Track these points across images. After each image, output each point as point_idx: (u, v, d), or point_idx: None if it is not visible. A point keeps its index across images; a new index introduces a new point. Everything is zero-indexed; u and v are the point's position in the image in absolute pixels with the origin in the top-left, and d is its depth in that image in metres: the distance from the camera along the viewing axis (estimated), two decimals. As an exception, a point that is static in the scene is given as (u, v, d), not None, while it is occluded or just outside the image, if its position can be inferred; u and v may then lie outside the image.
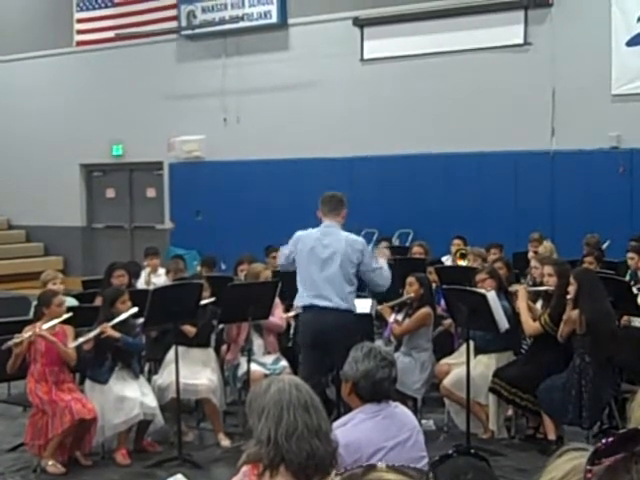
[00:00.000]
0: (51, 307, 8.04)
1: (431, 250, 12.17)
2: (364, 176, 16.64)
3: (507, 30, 15.67)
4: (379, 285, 8.22)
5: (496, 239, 12.30)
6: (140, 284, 11.19)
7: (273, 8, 18.05)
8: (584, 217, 14.37)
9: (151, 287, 10.21)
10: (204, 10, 18.87)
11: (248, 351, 8.65)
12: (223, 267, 14.21)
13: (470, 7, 15.90)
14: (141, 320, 8.33)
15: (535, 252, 11.52)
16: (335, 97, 17.33)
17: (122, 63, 19.97)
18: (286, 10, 18.04)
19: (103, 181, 21.31)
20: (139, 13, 19.81)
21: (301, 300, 8.01)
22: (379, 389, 4.63)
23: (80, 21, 20.76)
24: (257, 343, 8.99)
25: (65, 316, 8.07)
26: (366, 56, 17.16)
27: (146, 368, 9.76)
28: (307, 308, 7.97)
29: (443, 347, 9.43)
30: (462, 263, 11.59)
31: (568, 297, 8.02)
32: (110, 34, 20.13)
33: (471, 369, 8.22)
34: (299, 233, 8.16)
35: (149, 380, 8.83)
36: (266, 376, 7.63)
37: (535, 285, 9.30)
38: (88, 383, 8.26)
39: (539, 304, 8.95)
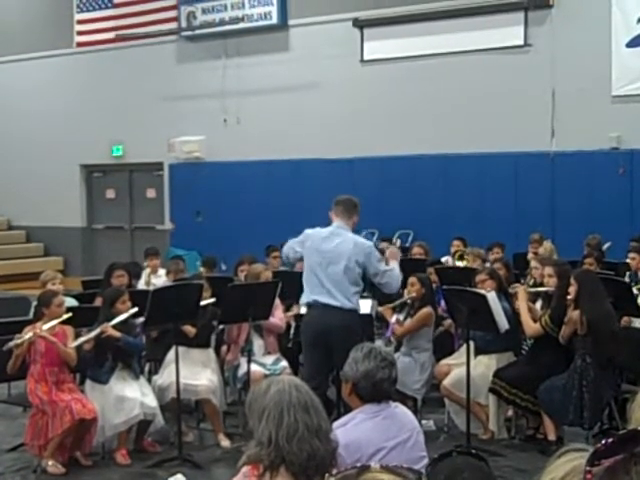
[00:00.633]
0: (51, 307, 8.04)
1: (431, 251, 12.17)
2: (364, 177, 16.64)
3: (507, 31, 15.67)
4: (387, 287, 8.20)
5: (496, 240, 12.30)
6: (140, 285, 11.19)
7: (273, 9, 18.06)
8: (584, 218, 14.37)
9: (151, 288, 10.22)
10: (204, 11, 18.88)
11: (248, 351, 8.65)
12: (223, 268, 14.22)
13: (470, 8, 15.90)
14: (141, 320, 8.33)
15: (535, 253, 11.52)
16: (335, 98, 17.33)
17: (122, 64, 19.98)
18: (286, 11, 18.05)
19: (103, 182, 21.32)
20: (139, 14, 19.81)
21: (306, 297, 8.01)
22: (379, 389, 4.64)
23: (80, 22, 20.77)
24: (257, 344, 9.00)
25: (65, 316, 8.07)
26: (366, 57, 17.17)
27: (146, 368, 9.76)
28: (311, 305, 7.96)
29: (443, 348, 9.43)
30: (460, 264, 11.58)
31: (569, 298, 8.02)
32: (110, 35, 20.14)
33: (471, 369, 8.22)
34: (308, 231, 8.14)
35: (149, 380, 8.83)
36: (266, 376, 7.63)
37: (535, 286, 9.30)
38: (88, 383, 8.26)
39: (539, 304, 8.96)
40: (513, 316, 8.48)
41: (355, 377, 4.63)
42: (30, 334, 7.85)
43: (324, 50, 17.29)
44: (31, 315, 8.88)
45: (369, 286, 9.01)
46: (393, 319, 9.11)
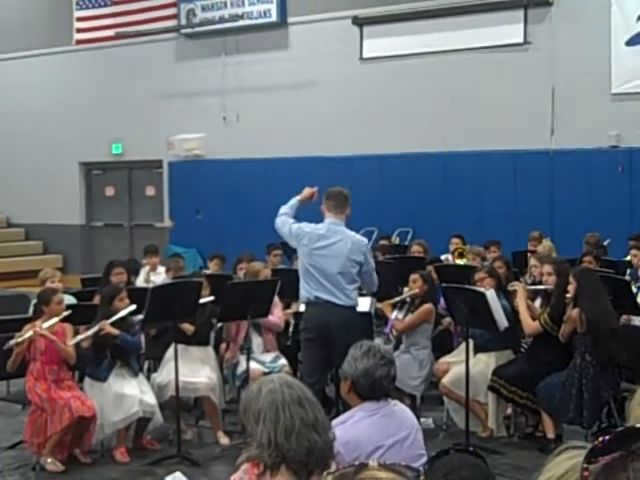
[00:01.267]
0: (50, 305, 8.05)
1: (430, 249, 12.17)
2: (363, 175, 16.64)
3: (507, 29, 15.67)
4: (369, 286, 8.20)
5: (495, 238, 12.30)
6: (139, 282, 11.20)
7: (273, 7, 18.06)
8: (583, 216, 14.38)
9: (150, 285, 10.23)
10: (204, 8, 18.87)
11: (247, 349, 8.65)
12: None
13: (470, 6, 15.90)
14: (140, 318, 8.33)
15: (533, 251, 11.52)
16: (334, 96, 17.33)
17: (122, 62, 19.97)
18: (286, 9, 18.05)
19: (102, 179, 21.32)
20: (138, 12, 19.81)
21: (306, 294, 7.98)
22: (378, 387, 4.64)
23: (80, 20, 20.76)
24: (256, 341, 9.00)
25: (64, 314, 8.07)
26: (365, 55, 17.17)
27: (145, 366, 9.77)
28: (310, 303, 7.95)
29: (442, 346, 9.44)
30: (460, 262, 11.59)
31: (568, 296, 8.02)
32: (110, 33, 20.12)
33: (470, 367, 8.22)
34: (305, 228, 8.08)
35: (148, 378, 8.83)
36: (265, 374, 7.64)
37: (534, 284, 9.30)
38: (87, 381, 8.26)
39: (538, 302, 8.96)
40: (512, 314, 8.48)
41: (354, 375, 4.63)
42: (30, 332, 7.85)
43: (323, 48, 17.29)
44: (30, 313, 8.89)
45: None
46: (393, 316, 9.11)
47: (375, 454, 4.46)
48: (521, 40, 15.56)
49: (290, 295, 9.51)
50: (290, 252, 11.44)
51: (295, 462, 3.47)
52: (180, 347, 8.36)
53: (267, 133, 17.92)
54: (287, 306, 9.79)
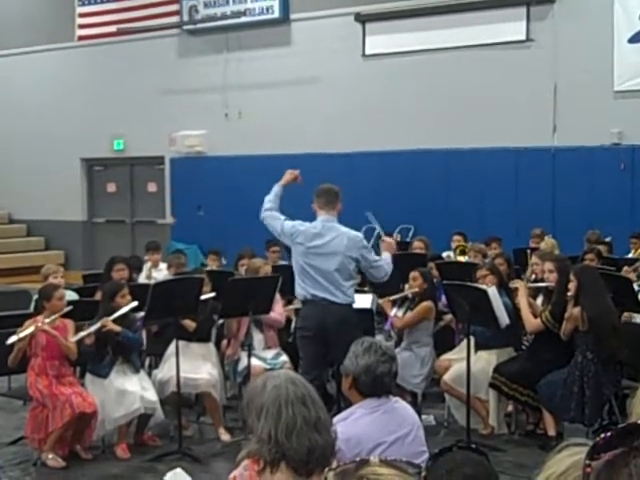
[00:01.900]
0: (52, 301, 8.04)
1: (432, 245, 12.17)
2: (365, 171, 16.64)
3: (509, 26, 15.66)
4: (377, 278, 8.20)
5: (497, 235, 12.29)
6: (141, 279, 11.19)
7: (275, 3, 18.05)
8: (585, 213, 14.38)
9: (152, 281, 10.23)
10: (206, 5, 18.87)
11: (248, 346, 8.66)
12: (224, 262, 14.21)
13: (472, 3, 15.89)
14: (142, 314, 8.33)
15: (535, 248, 11.51)
16: (336, 93, 17.32)
17: (124, 58, 19.97)
18: (288, 5, 18.04)
19: (104, 175, 21.32)
20: (141, 8, 19.80)
21: (303, 292, 7.98)
22: (379, 384, 4.64)
23: (82, 15, 20.75)
24: (257, 338, 9.00)
25: (65, 309, 8.07)
26: (368, 52, 17.16)
27: (146, 362, 9.77)
28: (308, 301, 7.95)
29: (444, 343, 9.43)
30: (462, 259, 11.59)
31: (569, 294, 8.02)
32: (112, 29, 20.12)
33: (471, 365, 8.21)
34: (300, 227, 8.09)
35: (149, 374, 8.83)
36: (266, 370, 7.64)
37: (536, 281, 9.30)
38: (89, 377, 8.26)
39: (539, 300, 8.95)
40: (514, 311, 8.47)
41: (355, 371, 4.63)
42: (32, 328, 7.85)
43: (326, 44, 17.28)
44: (32, 309, 8.89)
45: (369, 280, 9.00)
46: (392, 313, 9.11)
47: (376, 451, 4.46)
48: (523, 37, 15.55)
49: (291, 292, 9.51)
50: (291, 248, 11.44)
51: (295, 460, 3.46)
52: (181, 343, 8.36)
53: (269, 130, 17.92)
54: (288, 302, 9.79)
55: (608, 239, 12.44)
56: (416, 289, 9.12)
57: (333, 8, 17.31)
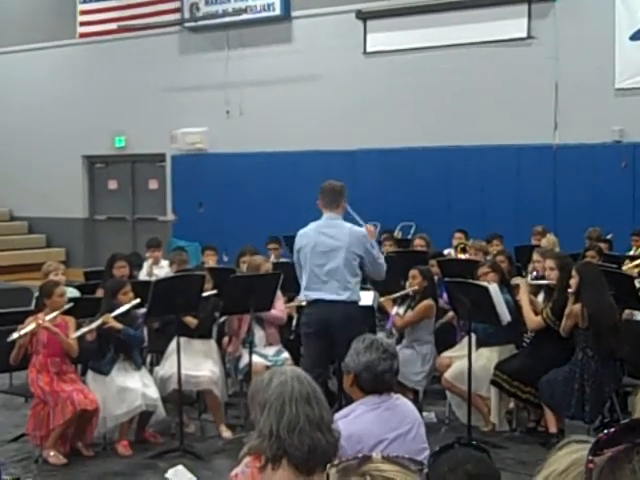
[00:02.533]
0: (52, 298, 8.05)
1: (433, 243, 12.17)
2: (366, 169, 16.65)
3: (510, 24, 15.65)
4: (378, 275, 8.20)
5: (498, 232, 12.29)
6: (142, 275, 11.18)
7: (276, 1, 18.05)
8: (586, 211, 14.37)
9: (153, 279, 10.23)
10: (207, 2, 18.87)
11: (250, 343, 8.66)
12: (225, 259, 14.22)
13: (474, 0, 15.88)
14: (143, 311, 8.33)
15: (537, 245, 11.50)
16: (338, 90, 17.32)
17: (125, 55, 19.97)
18: (289, 2, 18.04)
19: (105, 173, 21.32)
20: (142, 5, 19.79)
21: (307, 294, 8.00)
22: (381, 381, 4.64)
23: (83, 13, 20.74)
24: (258, 335, 9.00)
25: (66, 306, 8.08)
26: (369, 49, 17.16)
27: (148, 359, 9.77)
28: (313, 302, 7.97)
29: (445, 340, 9.43)
30: (462, 257, 11.58)
31: (570, 291, 8.02)
32: (113, 26, 20.11)
33: (473, 362, 8.22)
34: (300, 232, 8.15)
35: (151, 371, 8.83)
36: (267, 368, 7.64)
37: (537, 278, 9.29)
38: (90, 374, 8.27)
39: (540, 297, 8.95)
40: (515, 308, 8.47)
41: (357, 368, 4.63)
42: (33, 325, 7.86)
43: (327, 42, 17.28)
44: (33, 306, 8.89)
45: (370, 278, 9.00)
46: (393, 311, 9.11)
47: (377, 448, 4.46)
48: (525, 35, 15.55)
49: (293, 289, 9.52)
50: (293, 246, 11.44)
51: (296, 457, 3.46)
52: (183, 340, 8.36)
53: (270, 127, 17.92)
54: (290, 300, 9.79)
55: (609, 236, 12.43)
56: (416, 287, 9.12)
57: (334, 5, 17.30)
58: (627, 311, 8.99)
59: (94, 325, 8.00)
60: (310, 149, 17.32)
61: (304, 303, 8.46)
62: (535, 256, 9.60)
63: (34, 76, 21.39)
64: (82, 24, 20.75)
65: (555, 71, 15.10)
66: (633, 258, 10.87)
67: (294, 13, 18.03)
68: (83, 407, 7.79)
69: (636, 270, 10.03)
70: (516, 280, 8.96)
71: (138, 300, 8.21)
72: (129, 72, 19.86)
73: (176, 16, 19.33)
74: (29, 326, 7.87)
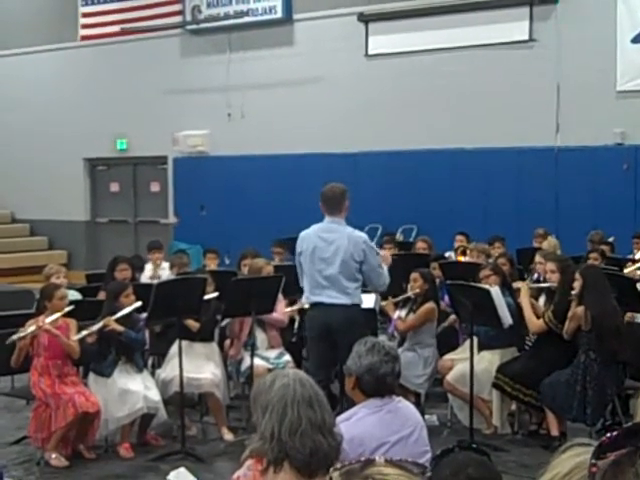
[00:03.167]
0: (53, 301, 8.04)
1: (435, 245, 12.17)
2: (368, 171, 16.64)
3: (512, 26, 15.65)
4: (376, 285, 8.17)
5: (500, 235, 12.29)
6: (145, 278, 11.17)
7: (278, 3, 18.05)
8: (588, 214, 14.36)
9: (157, 280, 10.25)
10: (209, 5, 18.87)
11: (251, 346, 8.66)
12: (227, 262, 14.23)
13: (475, 3, 15.89)
14: (145, 315, 8.33)
15: (539, 248, 11.50)
16: (339, 93, 17.32)
17: (127, 57, 19.98)
18: (291, 5, 18.04)
19: (107, 175, 21.32)
20: (144, 8, 19.80)
21: (308, 297, 8.00)
22: (382, 384, 4.63)
23: (85, 15, 20.74)
24: (260, 338, 9.00)
25: (67, 309, 8.07)
26: (371, 52, 17.15)
27: (150, 362, 9.77)
28: (314, 305, 7.96)
29: (447, 343, 9.42)
30: (462, 259, 11.58)
31: (573, 293, 8.02)
32: (115, 28, 20.12)
33: (474, 365, 8.21)
34: (301, 235, 8.11)
35: (153, 374, 8.84)
36: (269, 370, 7.64)
37: (538, 281, 9.29)
38: (92, 376, 8.27)
39: (542, 300, 8.95)
40: (517, 311, 8.47)
41: (358, 371, 4.63)
42: (33, 327, 7.86)
43: (329, 44, 17.28)
44: (34, 309, 8.89)
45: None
46: (395, 315, 9.11)
47: (379, 450, 4.46)
48: (526, 37, 15.54)
49: (294, 292, 9.52)
50: (295, 249, 11.44)
51: (298, 460, 3.46)
52: (184, 343, 8.37)
53: (272, 129, 17.92)
54: (292, 303, 9.79)
55: (611, 239, 12.43)
56: (417, 290, 9.12)
57: (336, 8, 17.30)
58: (629, 314, 8.98)
59: (95, 327, 8.01)
60: (312, 152, 17.32)
61: (306, 306, 8.46)
62: (537, 258, 9.60)
63: (36, 78, 21.39)
64: (84, 27, 20.75)
65: (557, 73, 15.10)
66: (635, 262, 10.86)
67: (296, 16, 18.03)
68: (85, 410, 7.80)
69: (639, 272, 10.03)
70: (517, 285, 8.95)
71: (140, 303, 8.22)
72: (131, 74, 19.86)
73: (178, 19, 19.34)
74: (29, 328, 7.87)
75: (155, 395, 8.21)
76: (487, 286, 8.29)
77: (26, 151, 21.38)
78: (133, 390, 8.07)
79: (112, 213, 21.29)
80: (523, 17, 15.56)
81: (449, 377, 8.75)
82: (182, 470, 7.40)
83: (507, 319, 8.03)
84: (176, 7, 19.34)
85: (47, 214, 21.20)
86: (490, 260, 10.36)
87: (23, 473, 7.79)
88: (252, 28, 18.41)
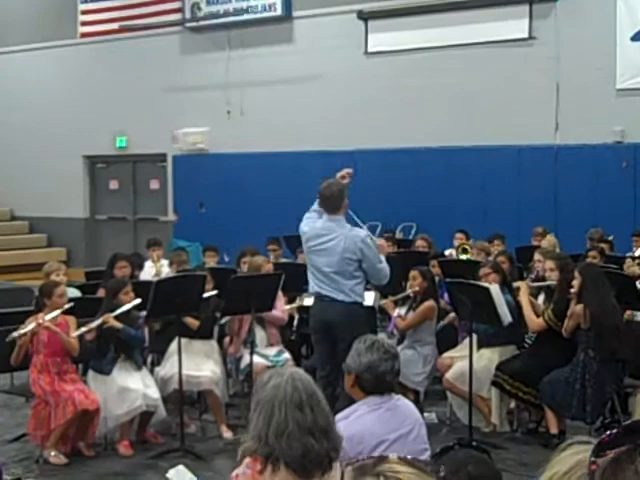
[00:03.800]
0: (53, 298, 8.04)
1: (434, 243, 12.17)
2: (367, 169, 16.58)
3: (512, 24, 15.64)
4: (377, 280, 8.14)
5: (499, 233, 12.29)
6: (146, 275, 11.16)
7: (277, 1, 18.05)
8: (587, 211, 14.37)
9: (158, 277, 10.27)
10: (208, 2, 18.86)
11: (251, 343, 8.66)
12: (226, 259, 14.22)
13: (475, 0, 15.88)
14: (143, 314, 8.32)
15: (537, 246, 11.50)
16: (339, 90, 17.31)
17: (126, 55, 19.97)
18: (290, 3, 18.04)
19: (107, 173, 21.32)
20: (143, 5, 19.80)
21: (312, 288, 8.02)
22: (382, 382, 4.63)
23: (84, 13, 20.75)
24: (259, 335, 8.99)
25: (66, 306, 8.07)
26: (370, 49, 17.15)
27: (149, 359, 9.77)
28: (316, 298, 7.97)
29: (447, 341, 9.42)
30: (463, 257, 11.58)
31: (572, 291, 8.02)
32: (114, 26, 20.12)
33: (474, 362, 8.21)
34: (305, 227, 8.05)
35: (152, 372, 8.83)
36: (269, 368, 7.63)
37: (538, 279, 9.29)
38: (91, 374, 8.26)
39: (541, 298, 8.95)
40: (516, 309, 8.47)
41: (358, 369, 4.63)
42: (33, 324, 7.85)
43: (328, 42, 17.27)
44: (33, 306, 8.88)
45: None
46: (395, 313, 9.11)
47: (379, 448, 4.46)
48: (526, 35, 15.54)
49: (294, 289, 9.52)
50: (294, 246, 11.46)
51: (289, 462, 3.44)
52: (184, 341, 8.36)
53: (271, 127, 17.91)
54: (291, 300, 9.79)
55: (610, 237, 12.43)
56: (416, 288, 9.12)
57: (335, 5, 17.29)
58: (628, 312, 8.99)
59: (94, 324, 8.01)
60: (311, 149, 17.32)
61: (305, 303, 8.46)
62: (536, 256, 9.61)
63: (35, 76, 21.39)
64: (83, 24, 20.76)
65: (556, 71, 15.10)
66: (635, 259, 10.86)
67: (295, 13, 18.02)
68: (84, 407, 7.80)
69: (637, 268, 10.03)
70: (516, 284, 8.95)
71: (139, 300, 8.21)
72: (130, 72, 19.86)
73: (177, 16, 19.33)
74: (29, 326, 7.87)
75: (154, 393, 8.21)
76: (487, 284, 8.29)
77: (25, 148, 21.37)
78: (132, 388, 8.06)
79: (111, 211, 21.29)
80: (523, 15, 15.56)
81: (448, 375, 8.75)
82: (181, 468, 7.37)
83: (506, 317, 8.02)
84: (175, 4, 19.34)
85: (46, 211, 21.20)
86: (490, 258, 10.36)
87: (22, 471, 7.79)
88: (251, 25, 18.40)
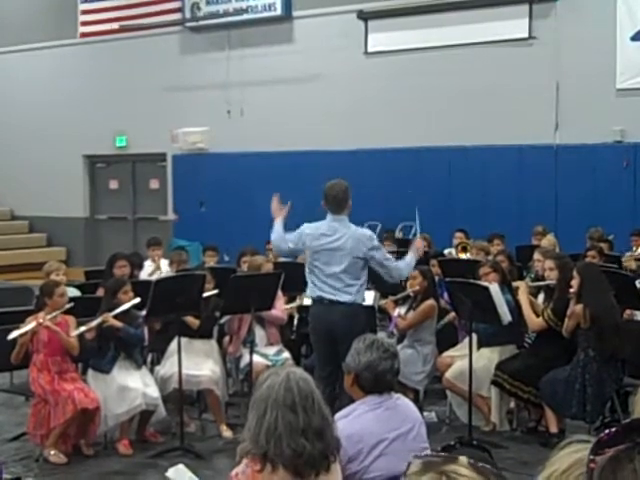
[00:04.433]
0: (53, 298, 8.04)
1: (434, 243, 12.16)
2: (367, 169, 16.62)
3: (512, 24, 15.65)
4: (389, 278, 8.12)
5: (499, 232, 12.29)
6: (146, 274, 11.16)
7: (277, 0, 18.04)
8: (587, 211, 14.38)
9: (157, 275, 10.26)
10: (208, 2, 18.87)
11: (250, 343, 8.65)
12: (226, 259, 14.22)
13: (475, 0, 15.89)
14: (144, 312, 8.32)
15: (537, 246, 11.50)
16: (339, 90, 17.32)
17: (126, 55, 19.98)
18: (290, 2, 18.04)
19: (106, 172, 21.33)
20: (143, 5, 19.80)
21: (310, 292, 7.99)
22: (381, 381, 4.63)
23: (84, 12, 20.75)
24: (259, 335, 8.99)
25: (67, 306, 8.08)
26: (370, 49, 17.15)
27: (149, 359, 9.77)
28: (316, 301, 7.94)
29: (447, 340, 9.42)
30: (464, 256, 11.58)
31: (571, 291, 8.02)
32: (114, 26, 20.12)
33: (474, 361, 8.21)
34: (306, 230, 8.04)
35: (152, 371, 8.84)
36: (268, 367, 7.64)
37: (537, 278, 9.29)
38: (91, 373, 8.26)
39: (540, 298, 8.95)
40: (516, 309, 8.47)
41: (357, 368, 4.63)
42: (33, 324, 7.86)
43: (328, 42, 17.27)
44: (34, 305, 8.89)
45: (371, 278, 8.98)
46: (395, 313, 9.11)
47: (378, 447, 4.47)
48: (526, 35, 15.55)
49: (294, 289, 9.52)
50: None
51: (281, 462, 3.43)
52: (183, 340, 8.36)
53: (271, 127, 17.91)
54: (291, 299, 9.78)
55: (610, 237, 12.43)
56: (416, 287, 9.12)
57: (335, 5, 17.30)
58: (628, 311, 8.99)
59: (93, 324, 8.01)
60: (311, 149, 17.32)
61: (305, 303, 8.45)
62: (536, 255, 9.61)
63: (35, 76, 21.40)
64: (83, 24, 20.75)
65: (556, 71, 15.10)
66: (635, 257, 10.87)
67: (295, 13, 18.03)
68: (84, 406, 7.79)
69: (634, 263, 10.04)
70: (516, 284, 8.95)
71: (138, 299, 8.21)
72: (130, 72, 19.86)
73: (177, 16, 19.33)
74: (29, 325, 7.87)
75: (154, 392, 8.21)
76: (486, 283, 8.29)
77: (25, 148, 21.38)
78: (132, 387, 8.07)
79: (111, 210, 21.30)
80: (523, 15, 15.56)
81: (448, 374, 8.75)
82: (181, 467, 7.37)
83: (506, 316, 8.02)
84: (175, 4, 19.35)
85: (46, 211, 21.21)
86: (489, 257, 10.36)
87: (22, 470, 7.78)
88: (251, 25, 18.41)
